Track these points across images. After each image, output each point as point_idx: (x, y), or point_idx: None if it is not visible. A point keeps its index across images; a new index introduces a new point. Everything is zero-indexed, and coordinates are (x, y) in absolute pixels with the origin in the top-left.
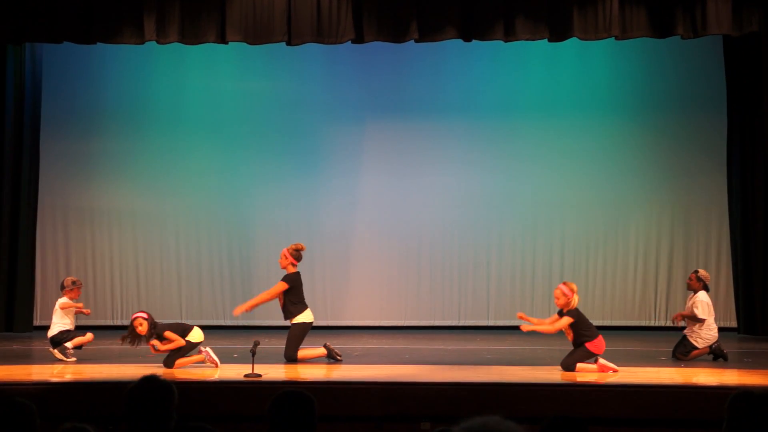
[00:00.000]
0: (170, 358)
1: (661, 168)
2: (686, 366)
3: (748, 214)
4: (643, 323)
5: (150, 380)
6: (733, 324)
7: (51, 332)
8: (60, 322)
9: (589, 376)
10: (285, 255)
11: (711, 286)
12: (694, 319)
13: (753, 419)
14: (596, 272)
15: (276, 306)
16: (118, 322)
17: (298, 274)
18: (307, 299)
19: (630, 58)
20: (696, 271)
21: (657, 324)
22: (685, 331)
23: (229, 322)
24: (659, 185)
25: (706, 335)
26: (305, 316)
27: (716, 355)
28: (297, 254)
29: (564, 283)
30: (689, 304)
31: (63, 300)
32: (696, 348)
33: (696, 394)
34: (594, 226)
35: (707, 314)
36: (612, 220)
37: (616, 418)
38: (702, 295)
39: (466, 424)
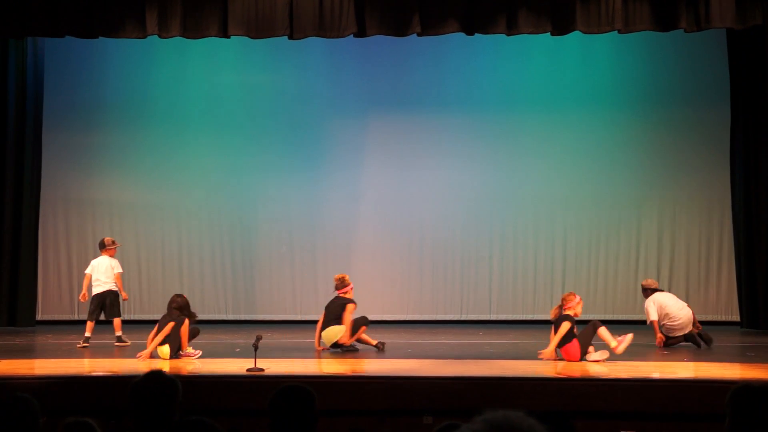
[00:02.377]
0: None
1: (663, 162)
2: (689, 360)
3: (751, 207)
4: (646, 318)
5: (155, 375)
6: (736, 318)
7: (107, 287)
8: (111, 282)
9: (593, 368)
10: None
11: (713, 280)
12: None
13: (754, 413)
14: (598, 266)
15: (279, 300)
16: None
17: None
18: (309, 292)
19: (633, 52)
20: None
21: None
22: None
23: (231, 317)
24: (662, 179)
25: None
26: None
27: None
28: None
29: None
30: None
31: (119, 270)
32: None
33: (699, 388)
34: (596, 220)
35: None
36: (614, 213)
37: (620, 411)
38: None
39: (488, 417)
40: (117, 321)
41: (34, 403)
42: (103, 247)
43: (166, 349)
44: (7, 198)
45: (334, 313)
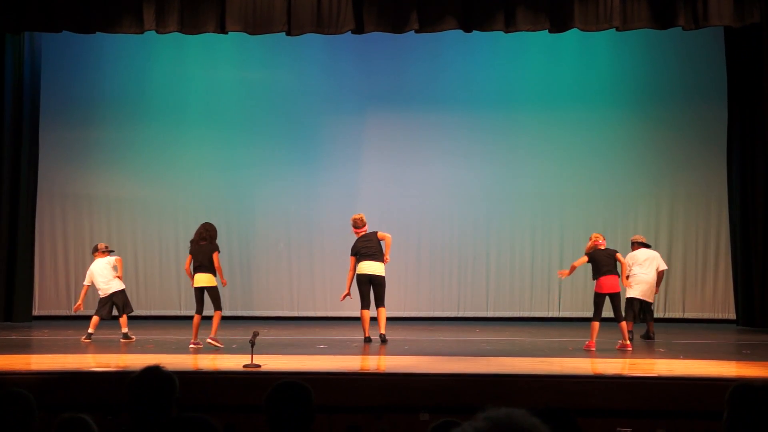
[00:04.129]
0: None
1: (660, 159)
2: (684, 358)
3: (747, 205)
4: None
5: (152, 371)
6: (732, 316)
7: (112, 289)
8: (112, 283)
9: (589, 365)
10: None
11: (709, 278)
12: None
13: (753, 412)
14: None
15: (276, 297)
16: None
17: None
18: (307, 289)
19: (631, 49)
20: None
21: (656, 315)
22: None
23: (228, 313)
24: (659, 176)
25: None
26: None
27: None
28: (352, 222)
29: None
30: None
31: (117, 257)
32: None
33: (694, 386)
34: (593, 217)
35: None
36: (611, 211)
37: (616, 409)
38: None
39: (491, 414)
40: (123, 319)
41: (31, 398)
42: (96, 251)
43: (211, 276)
44: (3, 194)
45: (377, 246)
